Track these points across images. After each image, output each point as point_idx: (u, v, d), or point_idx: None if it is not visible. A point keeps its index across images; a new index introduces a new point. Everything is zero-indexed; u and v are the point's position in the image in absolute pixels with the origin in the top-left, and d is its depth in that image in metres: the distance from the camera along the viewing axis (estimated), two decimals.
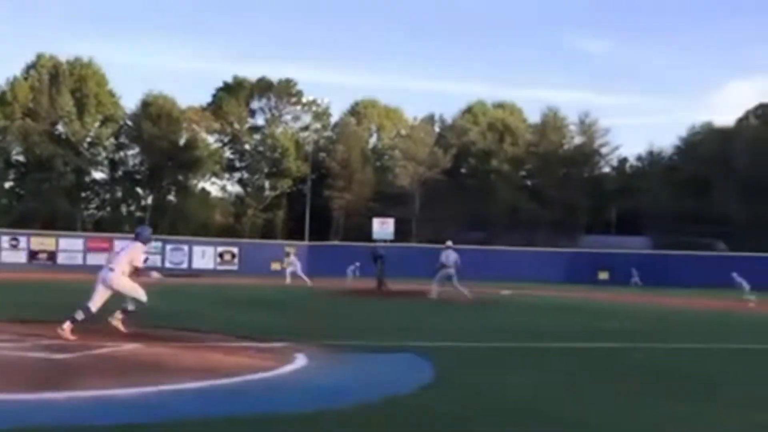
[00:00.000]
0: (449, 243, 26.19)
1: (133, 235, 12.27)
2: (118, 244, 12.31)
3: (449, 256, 25.18)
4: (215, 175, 77.43)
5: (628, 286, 45.24)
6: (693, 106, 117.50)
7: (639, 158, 79.46)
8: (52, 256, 50.33)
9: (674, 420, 6.78)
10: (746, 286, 29.73)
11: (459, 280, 24.81)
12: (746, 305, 27.05)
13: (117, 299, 11.64)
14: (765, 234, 63.43)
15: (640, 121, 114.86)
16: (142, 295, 11.54)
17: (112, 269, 11.52)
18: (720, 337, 15.08)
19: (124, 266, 11.55)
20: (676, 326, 18.29)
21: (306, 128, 79.30)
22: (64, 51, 76.75)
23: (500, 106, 78.64)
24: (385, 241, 51.14)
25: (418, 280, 32.22)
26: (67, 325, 10.90)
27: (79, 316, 11.14)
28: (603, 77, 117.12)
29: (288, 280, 36.19)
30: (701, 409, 7.32)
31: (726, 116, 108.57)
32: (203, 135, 75.59)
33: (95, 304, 11.36)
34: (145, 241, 11.98)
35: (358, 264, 41.03)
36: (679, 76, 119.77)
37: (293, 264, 37.98)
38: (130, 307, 11.66)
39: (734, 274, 30.48)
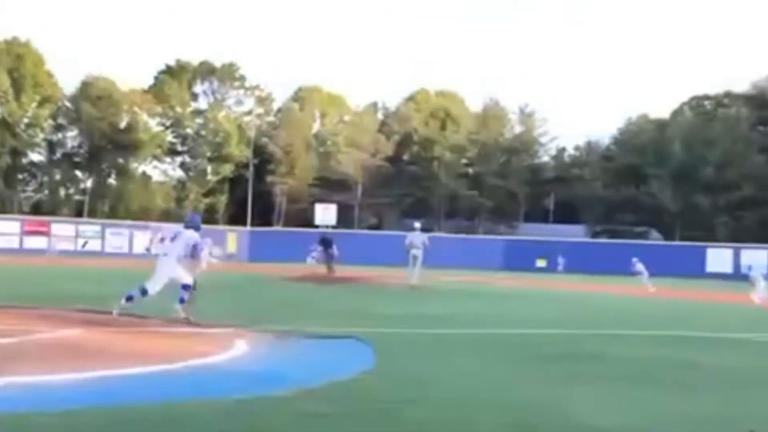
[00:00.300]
0: (417, 225, 26.54)
1: (184, 223, 12.85)
2: (167, 231, 12.50)
3: (416, 237, 25.45)
4: (156, 158, 76.59)
5: (555, 273, 46.23)
6: (630, 97, 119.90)
7: (577, 148, 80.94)
8: None
9: (608, 404, 7.18)
10: (645, 273, 30.67)
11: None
12: (646, 290, 28.32)
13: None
14: (697, 223, 65.40)
15: (579, 112, 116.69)
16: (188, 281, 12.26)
17: (166, 254, 12.28)
18: (634, 324, 15.65)
19: (180, 253, 12.32)
20: (601, 313, 18.95)
21: (249, 113, 79.00)
22: (1, 31, 74.97)
23: (442, 94, 79.19)
24: (327, 226, 51.38)
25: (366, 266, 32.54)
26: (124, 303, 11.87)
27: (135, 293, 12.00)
28: (543, 68, 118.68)
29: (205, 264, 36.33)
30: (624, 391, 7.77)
31: (661, 108, 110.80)
32: (144, 118, 74.56)
33: (154, 287, 12.13)
34: (197, 228, 12.63)
35: (320, 249, 41.21)
36: (617, 68, 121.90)
37: (206, 244, 38.49)
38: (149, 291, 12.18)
39: (634, 260, 31.35)
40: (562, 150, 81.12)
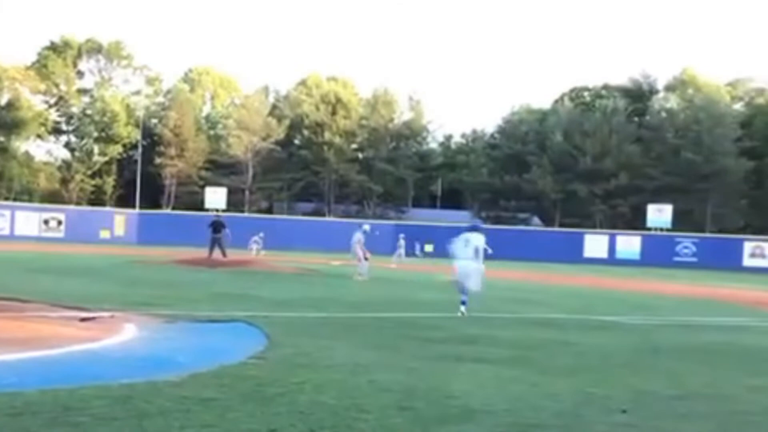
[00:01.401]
0: (365, 227, 27.28)
1: (472, 226, 14.76)
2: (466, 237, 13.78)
3: (354, 236, 26.21)
4: (40, 137, 74.29)
5: (415, 257, 47.28)
6: (515, 88, 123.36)
7: (463, 136, 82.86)
8: None
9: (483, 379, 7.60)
10: (401, 253, 34.16)
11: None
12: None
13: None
14: (575, 210, 68.31)
15: (466, 101, 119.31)
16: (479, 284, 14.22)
17: (466, 259, 13.97)
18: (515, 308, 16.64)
19: (476, 256, 14.01)
20: (479, 297, 19.88)
21: (137, 93, 77.53)
22: None
23: (333, 79, 79.73)
24: (217, 210, 51.34)
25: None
26: (464, 309, 13.60)
27: (465, 298, 13.73)
28: (432, 57, 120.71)
29: None
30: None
31: (544, 98, 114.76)
32: (27, 95, 72.21)
33: (476, 285, 13.88)
34: (481, 232, 14.47)
35: (261, 235, 41.11)
36: (502, 59, 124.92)
37: None
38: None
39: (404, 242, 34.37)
40: (449, 137, 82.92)
